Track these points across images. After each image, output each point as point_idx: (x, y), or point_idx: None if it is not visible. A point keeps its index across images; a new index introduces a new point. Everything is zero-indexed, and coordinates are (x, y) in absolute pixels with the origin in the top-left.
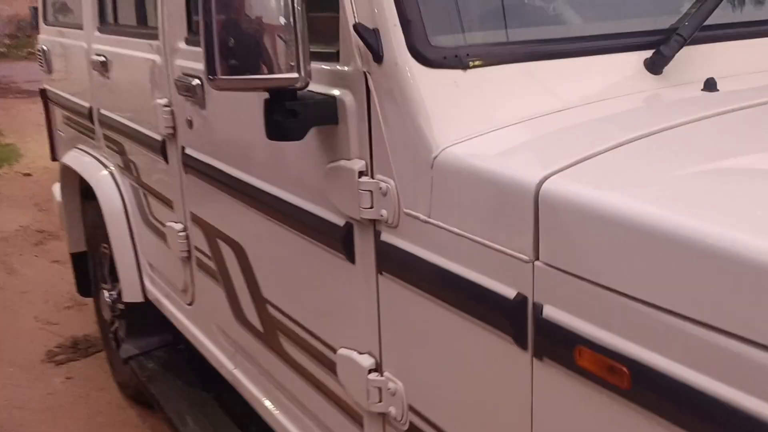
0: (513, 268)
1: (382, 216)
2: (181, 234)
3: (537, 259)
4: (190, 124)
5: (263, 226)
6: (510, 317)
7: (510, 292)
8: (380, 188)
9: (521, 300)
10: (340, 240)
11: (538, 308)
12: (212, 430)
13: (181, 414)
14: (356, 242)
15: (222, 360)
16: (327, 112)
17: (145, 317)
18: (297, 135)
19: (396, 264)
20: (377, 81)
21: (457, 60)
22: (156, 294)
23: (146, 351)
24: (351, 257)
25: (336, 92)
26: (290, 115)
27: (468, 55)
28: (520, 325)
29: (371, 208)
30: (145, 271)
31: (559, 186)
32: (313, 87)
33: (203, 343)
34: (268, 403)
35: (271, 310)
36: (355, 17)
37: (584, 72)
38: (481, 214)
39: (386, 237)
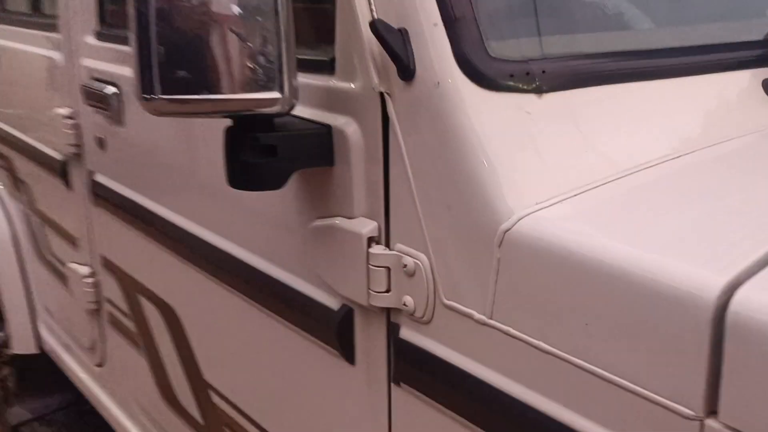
0: (663, 427)
1: (405, 305)
2: (87, 280)
3: (711, 415)
4: (101, 143)
5: (207, 290)
6: None
7: None
8: (404, 265)
9: None
10: (332, 330)
11: None
12: None
13: None
14: (358, 336)
15: None
16: (319, 150)
17: (41, 371)
18: (274, 182)
19: (425, 374)
20: (402, 106)
21: (529, 79)
22: (54, 346)
23: (42, 415)
24: (350, 356)
25: (333, 120)
26: (266, 153)
27: (544, 72)
28: None
29: (387, 292)
30: (41, 317)
31: (755, 302)
32: (298, 111)
33: (116, 416)
34: None
35: (216, 399)
36: (372, 11)
37: (694, 95)
38: (598, 331)
39: (409, 334)
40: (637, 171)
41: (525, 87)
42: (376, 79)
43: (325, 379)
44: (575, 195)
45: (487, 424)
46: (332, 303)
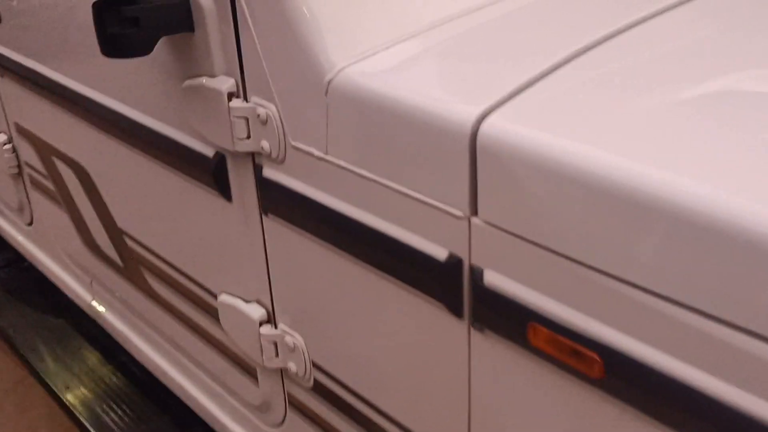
0: (443, 225)
1: (263, 149)
2: (6, 146)
3: (474, 214)
4: None
5: (109, 148)
6: (440, 281)
7: (441, 253)
8: (258, 115)
9: (455, 262)
10: (210, 174)
11: (477, 272)
12: (74, 364)
13: (34, 347)
14: (231, 177)
15: (77, 290)
16: (178, 17)
17: None
18: (141, 49)
19: (285, 205)
20: None
21: None
22: None
23: None
24: (227, 194)
25: None
26: (129, 24)
27: None
28: (453, 290)
29: (248, 138)
30: None
31: (500, 127)
32: None
33: (52, 269)
34: (139, 341)
35: (131, 243)
36: None
37: None
38: (399, 157)
39: (270, 173)
40: (445, 23)
41: None
42: None
43: (209, 215)
44: (387, 49)
45: (335, 239)
46: (208, 151)
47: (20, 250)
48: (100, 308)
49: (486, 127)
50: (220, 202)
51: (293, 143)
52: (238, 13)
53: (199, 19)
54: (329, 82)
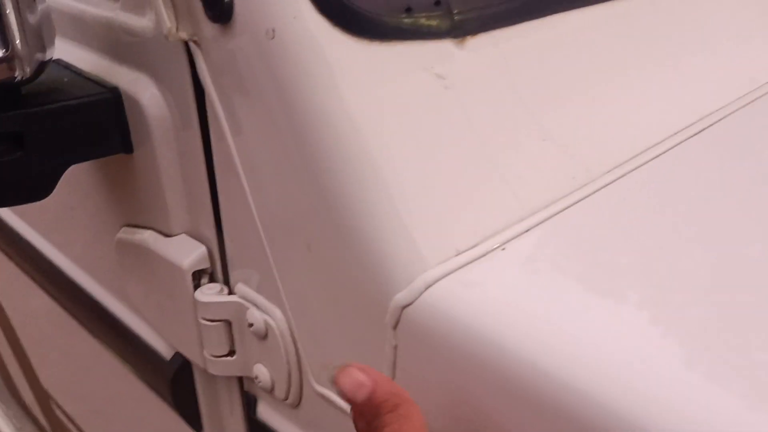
0: None
1: (258, 380)
2: None
3: None
4: None
5: (32, 293)
6: None
7: None
8: (249, 324)
9: None
10: (166, 387)
11: None
12: None
13: None
14: (202, 400)
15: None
16: (101, 130)
17: None
18: (33, 189)
19: None
20: (219, 64)
21: (442, 13)
22: None
23: None
24: (194, 424)
25: (122, 78)
26: (11, 145)
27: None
28: None
29: (230, 356)
30: None
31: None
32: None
33: None
34: None
35: (59, 414)
36: None
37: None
38: None
39: (269, 416)
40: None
41: (434, 27)
42: (168, 19)
43: None
44: (519, 235)
45: None
46: (162, 348)
47: None
48: None
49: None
50: (184, 429)
51: (318, 388)
52: (212, 132)
53: (139, 131)
54: (404, 308)
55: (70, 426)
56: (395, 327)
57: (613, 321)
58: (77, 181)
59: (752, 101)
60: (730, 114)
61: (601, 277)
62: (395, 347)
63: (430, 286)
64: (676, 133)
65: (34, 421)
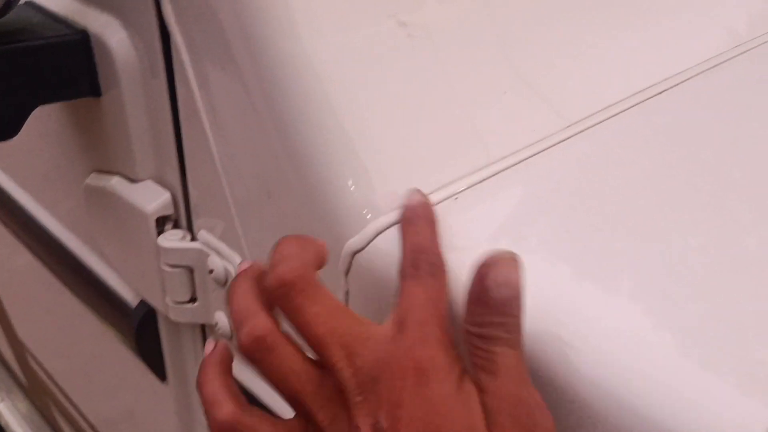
0: None
1: (218, 327)
2: None
3: None
4: None
5: (6, 242)
6: None
7: None
8: (210, 270)
9: None
10: (132, 335)
11: None
12: None
13: None
14: (166, 347)
15: None
16: (70, 72)
17: None
18: (2, 130)
19: None
20: (183, 6)
21: None
22: None
23: None
24: (158, 370)
25: (91, 21)
26: None
27: None
28: None
29: (191, 302)
30: None
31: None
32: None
33: None
34: None
35: (35, 366)
36: None
37: None
38: None
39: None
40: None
41: None
42: None
43: (136, 390)
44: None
45: None
46: (129, 296)
47: None
48: (8, 415)
49: None
50: (149, 377)
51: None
52: (176, 78)
53: (108, 76)
54: (355, 253)
55: (43, 377)
56: (347, 273)
57: (551, 262)
58: (49, 124)
59: (733, 57)
60: (709, 69)
61: (553, 221)
62: (347, 293)
63: (381, 232)
64: (653, 85)
65: (12, 374)
